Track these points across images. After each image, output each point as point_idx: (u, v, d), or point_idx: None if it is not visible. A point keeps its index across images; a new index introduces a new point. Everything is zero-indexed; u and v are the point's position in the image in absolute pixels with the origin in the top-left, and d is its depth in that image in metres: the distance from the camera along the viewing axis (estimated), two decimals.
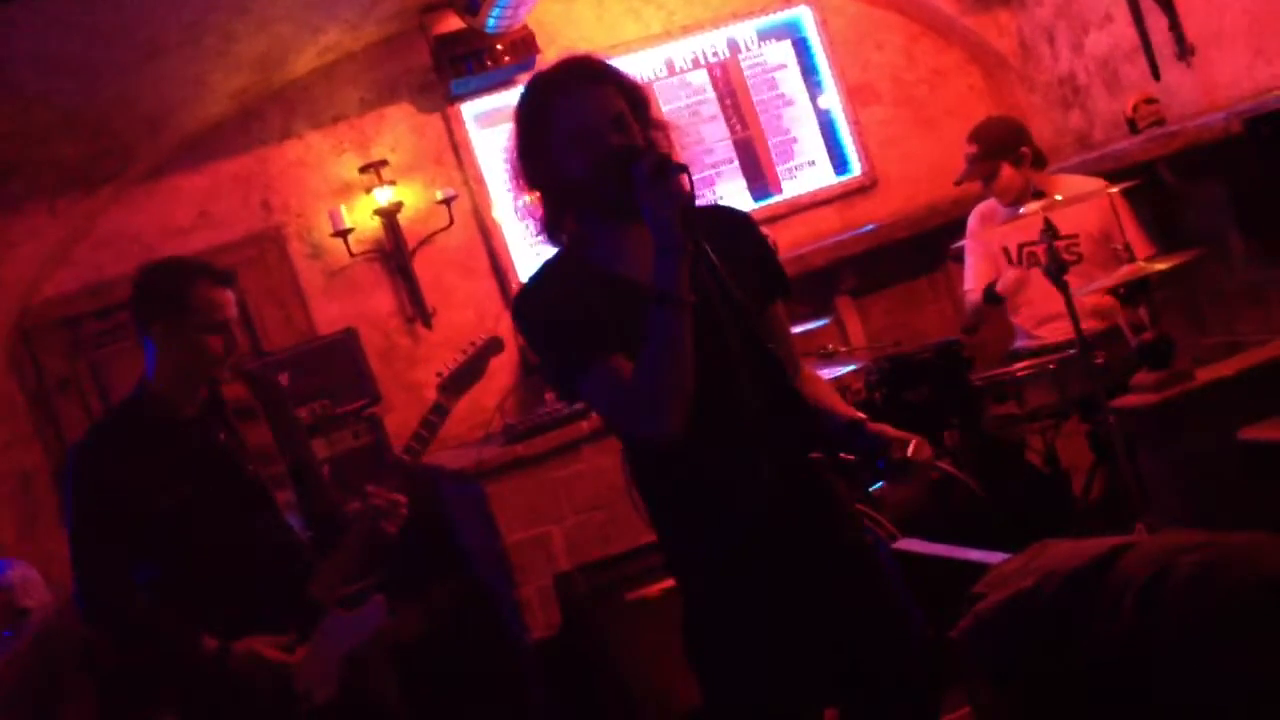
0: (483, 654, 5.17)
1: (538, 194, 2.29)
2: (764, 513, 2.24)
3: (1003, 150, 4.56)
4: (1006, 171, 4.55)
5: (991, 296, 4.68)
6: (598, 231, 2.28)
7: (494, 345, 3.39)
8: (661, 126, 2.31)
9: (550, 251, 2.36)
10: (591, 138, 2.18)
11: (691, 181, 2.07)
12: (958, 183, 4.80)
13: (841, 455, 2.19)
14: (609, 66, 2.30)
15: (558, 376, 2.29)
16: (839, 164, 6.31)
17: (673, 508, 2.34)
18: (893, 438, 2.21)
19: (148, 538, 3.10)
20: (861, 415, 2.30)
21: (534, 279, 2.31)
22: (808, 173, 6.28)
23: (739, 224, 2.42)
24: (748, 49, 6.28)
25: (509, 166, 2.32)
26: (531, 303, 2.29)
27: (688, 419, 2.13)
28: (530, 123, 2.27)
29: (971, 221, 4.89)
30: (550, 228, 2.31)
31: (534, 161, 2.27)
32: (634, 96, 2.27)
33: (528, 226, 2.33)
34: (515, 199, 2.33)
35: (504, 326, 5.93)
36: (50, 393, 5.57)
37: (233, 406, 3.27)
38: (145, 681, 4.12)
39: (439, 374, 3.34)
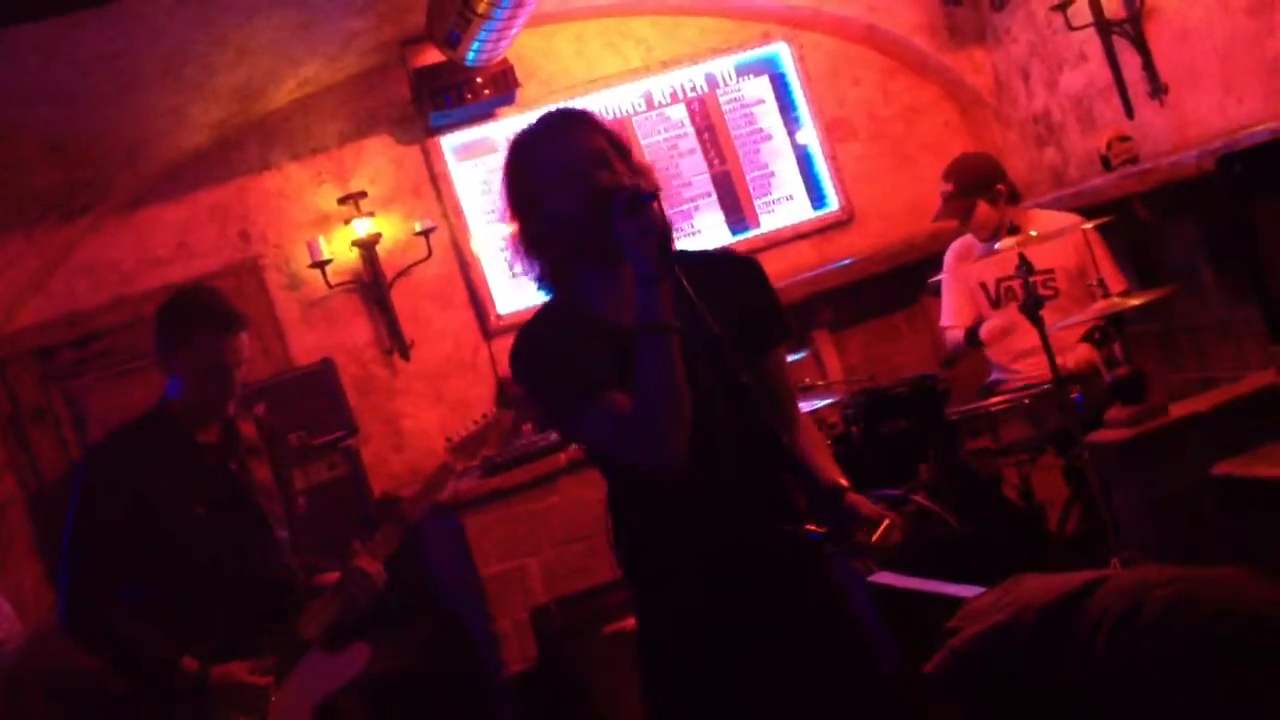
0: (458, 688, 5.14)
1: (534, 245, 2.30)
2: (735, 547, 2.25)
3: (978, 187, 4.59)
4: (983, 209, 4.59)
5: (974, 340, 4.70)
6: (590, 276, 2.29)
7: (502, 420, 3.68)
8: (645, 171, 2.31)
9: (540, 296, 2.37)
10: (577, 175, 2.21)
11: (663, 208, 2.09)
12: (935, 220, 4.83)
13: (807, 528, 2.17)
14: (588, 112, 2.34)
15: (559, 420, 2.34)
16: (816, 198, 6.34)
17: (644, 539, 2.34)
18: (862, 517, 2.18)
19: (147, 552, 3.10)
20: (844, 482, 2.28)
21: (527, 329, 2.32)
22: (785, 207, 6.31)
23: (740, 267, 2.43)
24: (726, 84, 6.31)
25: (502, 216, 2.34)
26: (527, 353, 2.30)
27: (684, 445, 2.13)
28: (518, 172, 2.30)
29: (948, 257, 4.92)
30: (547, 277, 2.32)
31: (526, 209, 2.29)
32: (615, 140, 2.29)
33: (516, 273, 2.36)
34: (512, 255, 2.34)
35: (482, 358, 5.94)
36: (24, 422, 5.53)
37: (246, 444, 3.32)
38: (116, 713, 4.08)
39: (449, 439, 3.59)
